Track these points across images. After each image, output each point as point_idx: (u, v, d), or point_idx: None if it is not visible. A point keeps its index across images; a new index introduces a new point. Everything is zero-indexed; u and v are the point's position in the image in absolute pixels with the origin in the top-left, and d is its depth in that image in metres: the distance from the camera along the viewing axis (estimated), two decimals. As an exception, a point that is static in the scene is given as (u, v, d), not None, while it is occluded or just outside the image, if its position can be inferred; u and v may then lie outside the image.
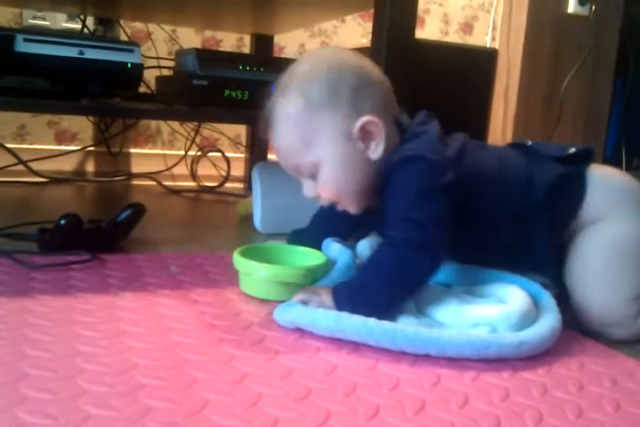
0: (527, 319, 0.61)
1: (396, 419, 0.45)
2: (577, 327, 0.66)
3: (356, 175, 0.67)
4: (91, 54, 1.02)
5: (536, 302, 0.65)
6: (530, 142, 0.73)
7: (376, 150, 0.66)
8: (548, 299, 0.66)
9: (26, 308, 0.61)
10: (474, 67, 1.41)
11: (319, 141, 0.65)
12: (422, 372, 0.54)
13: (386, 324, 0.57)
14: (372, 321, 0.57)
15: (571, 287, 0.67)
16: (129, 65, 1.05)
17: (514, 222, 0.68)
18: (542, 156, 0.70)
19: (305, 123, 0.65)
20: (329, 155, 0.66)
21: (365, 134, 0.66)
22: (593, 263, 0.65)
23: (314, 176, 0.68)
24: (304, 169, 0.68)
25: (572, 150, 0.70)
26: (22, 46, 0.98)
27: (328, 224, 0.82)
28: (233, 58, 1.16)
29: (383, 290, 0.60)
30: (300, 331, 0.60)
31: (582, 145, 0.72)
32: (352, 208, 0.71)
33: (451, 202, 0.63)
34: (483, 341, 0.57)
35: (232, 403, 0.45)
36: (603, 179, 0.69)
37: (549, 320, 0.62)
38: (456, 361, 0.56)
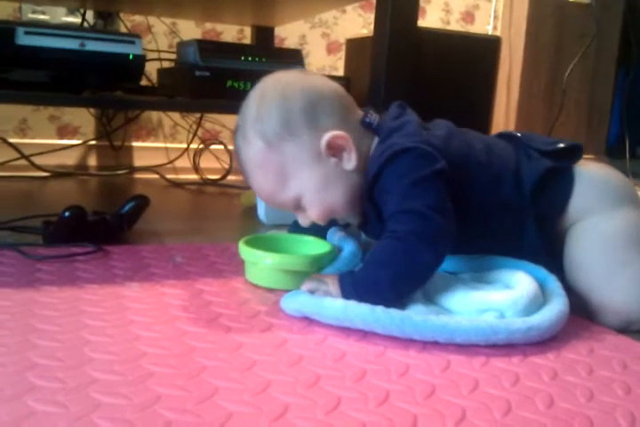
0: (535, 304, 0.61)
1: (407, 404, 0.45)
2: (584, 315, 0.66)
3: (341, 190, 0.66)
4: (92, 46, 1.02)
5: (543, 287, 0.65)
6: (519, 134, 0.72)
7: (350, 161, 0.65)
8: (554, 283, 0.66)
9: (32, 299, 0.61)
10: (477, 55, 1.40)
11: (293, 175, 0.65)
12: (431, 358, 0.53)
13: (393, 311, 0.57)
14: (379, 309, 0.57)
15: (581, 291, 0.66)
16: (130, 56, 1.05)
17: (503, 211, 0.67)
18: (531, 148, 0.69)
19: (272, 162, 0.65)
20: (307, 183, 0.65)
21: (334, 149, 0.65)
22: (594, 265, 0.65)
23: (301, 206, 0.67)
24: (289, 204, 0.67)
25: (561, 145, 0.69)
26: (23, 39, 0.98)
27: None
28: (235, 49, 1.15)
29: (389, 285, 0.60)
30: (308, 319, 0.60)
31: (572, 140, 0.71)
32: (351, 218, 0.71)
33: (445, 189, 0.62)
34: (491, 326, 0.57)
35: (242, 390, 0.45)
36: (590, 175, 0.69)
37: (557, 305, 0.61)
38: (465, 347, 0.56)
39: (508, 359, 0.54)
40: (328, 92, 0.67)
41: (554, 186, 0.67)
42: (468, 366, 0.52)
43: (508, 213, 0.68)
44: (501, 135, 0.74)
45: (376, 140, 0.68)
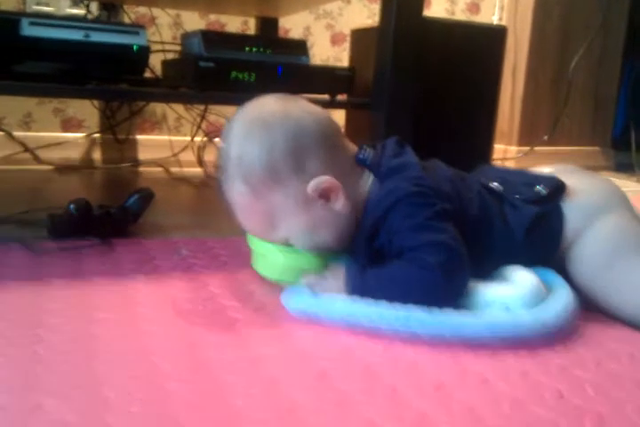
0: (539, 297, 0.61)
1: (415, 399, 0.44)
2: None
3: (331, 229, 0.65)
4: (96, 37, 1.01)
5: (546, 283, 0.64)
6: (500, 188, 0.69)
7: (338, 202, 0.63)
8: (557, 278, 0.66)
9: (38, 291, 0.61)
10: (483, 45, 1.39)
11: (281, 218, 0.63)
12: (438, 352, 0.53)
13: (398, 308, 0.57)
14: (384, 306, 0.57)
15: (600, 304, 0.65)
16: (135, 47, 1.04)
17: (497, 255, 0.66)
18: (511, 199, 0.68)
19: (258, 208, 0.63)
20: (296, 226, 0.64)
21: (323, 191, 0.63)
22: (598, 280, 0.64)
23: (291, 243, 0.66)
24: (279, 242, 0.66)
25: (543, 192, 0.67)
26: (28, 30, 0.97)
27: None
28: (240, 39, 1.14)
29: (400, 300, 0.58)
30: (314, 312, 0.60)
31: (550, 177, 0.69)
32: (342, 249, 0.68)
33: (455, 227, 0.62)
34: (498, 320, 0.56)
35: (249, 384, 0.45)
36: (578, 201, 0.67)
37: (563, 298, 0.61)
38: (471, 342, 0.55)
39: (515, 354, 0.54)
40: (312, 128, 0.63)
41: (544, 226, 0.66)
42: (476, 361, 0.52)
43: (502, 257, 0.67)
44: (483, 186, 0.70)
45: (371, 178, 0.67)
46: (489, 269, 0.67)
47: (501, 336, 0.56)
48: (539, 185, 0.68)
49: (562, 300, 0.60)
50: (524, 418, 0.43)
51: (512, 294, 0.60)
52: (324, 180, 0.62)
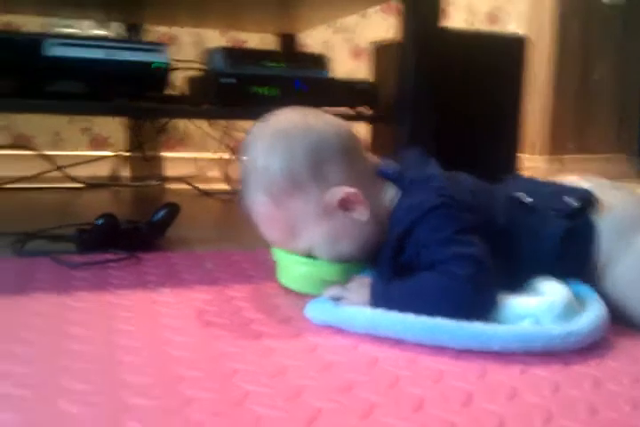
0: (570, 310, 0.59)
1: (443, 411, 0.43)
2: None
3: (352, 240, 0.65)
4: (118, 55, 1.03)
5: (577, 295, 0.62)
6: (529, 199, 0.67)
7: (362, 213, 0.63)
8: (588, 291, 0.64)
9: (65, 304, 0.61)
10: (505, 54, 1.38)
11: (303, 228, 0.63)
12: (466, 365, 0.52)
13: (424, 319, 0.56)
14: (410, 317, 0.56)
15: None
16: (154, 64, 1.06)
17: (527, 270, 0.65)
18: (542, 212, 0.66)
19: (280, 218, 0.64)
20: (317, 236, 0.64)
21: (344, 202, 0.63)
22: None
23: (314, 254, 0.66)
24: (301, 252, 0.66)
25: (574, 205, 0.65)
26: (50, 50, 1.00)
27: None
28: (260, 55, 1.15)
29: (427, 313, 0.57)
30: (339, 325, 0.59)
31: (582, 189, 0.67)
32: (365, 261, 0.67)
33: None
34: (529, 333, 0.55)
35: (273, 394, 0.44)
36: (612, 217, 0.65)
37: (595, 310, 0.59)
38: (501, 355, 0.54)
39: (546, 367, 0.52)
40: (333, 139, 0.64)
41: (575, 240, 0.64)
42: (506, 373, 0.51)
43: (531, 271, 0.65)
44: (512, 199, 0.69)
45: (394, 190, 0.66)
46: (519, 282, 0.65)
47: (531, 349, 0.55)
48: (569, 197, 0.66)
49: (594, 312, 0.59)
50: (557, 432, 0.41)
51: (542, 306, 0.58)
52: (343, 189, 0.62)
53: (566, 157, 2.04)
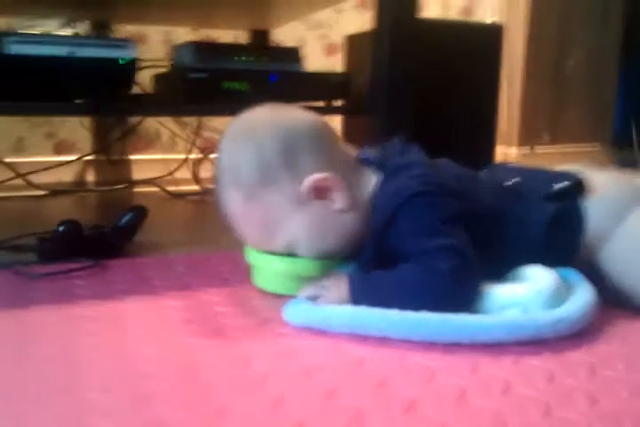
0: (559, 296, 0.57)
1: (435, 410, 0.41)
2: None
3: (335, 232, 0.62)
4: (82, 52, 0.98)
5: (564, 279, 0.60)
6: (515, 185, 0.65)
7: (342, 201, 0.60)
8: (575, 275, 0.62)
9: (23, 319, 0.57)
10: (480, 43, 1.35)
11: (279, 222, 0.61)
12: (456, 360, 0.49)
13: (409, 314, 0.53)
14: (393, 313, 0.53)
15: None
16: (123, 61, 1.01)
17: (516, 255, 0.63)
18: (528, 196, 0.64)
19: (255, 214, 0.61)
20: (296, 230, 0.61)
21: (321, 191, 0.60)
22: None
23: (294, 252, 0.63)
24: (283, 251, 0.63)
25: (561, 189, 0.63)
26: (11, 49, 0.94)
27: None
28: (231, 49, 1.11)
29: (409, 308, 0.54)
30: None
31: (568, 173, 0.65)
32: (349, 255, 0.64)
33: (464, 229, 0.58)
34: (518, 322, 0.53)
35: (254, 405, 0.41)
36: (601, 198, 0.63)
37: (584, 294, 0.57)
38: (490, 346, 0.52)
39: (539, 356, 0.50)
40: (303, 129, 0.62)
41: (564, 224, 0.63)
42: (498, 365, 0.48)
43: (520, 257, 0.62)
44: (497, 184, 0.67)
45: (376, 177, 0.63)
46: (506, 270, 0.63)
47: (521, 338, 0.52)
48: (556, 181, 0.64)
49: (582, 296, 0.57)
50: (558, 426, 0.39)
51: (529, 294, 0.56)
52: (321, 176, 0.59)
53: (540, 146, 2.04)
